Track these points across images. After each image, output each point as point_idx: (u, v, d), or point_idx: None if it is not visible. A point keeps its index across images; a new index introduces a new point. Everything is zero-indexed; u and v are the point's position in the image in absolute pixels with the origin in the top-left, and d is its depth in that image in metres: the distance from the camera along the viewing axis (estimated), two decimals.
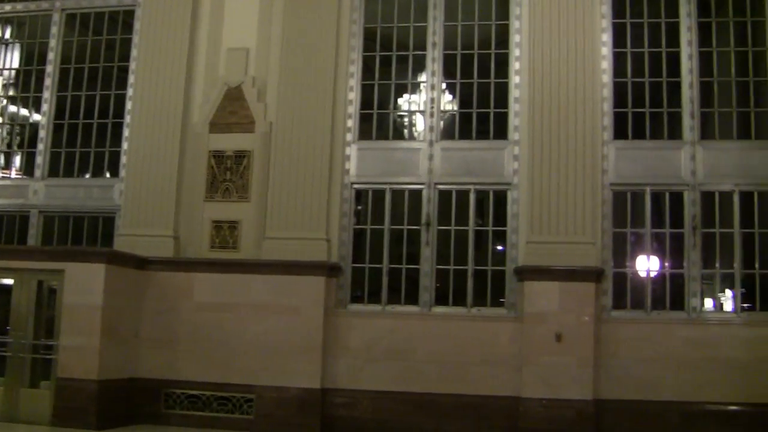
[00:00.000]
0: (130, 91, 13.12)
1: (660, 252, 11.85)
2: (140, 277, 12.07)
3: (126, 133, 13.03)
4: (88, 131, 13.42)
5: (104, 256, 11.43)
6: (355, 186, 12.35)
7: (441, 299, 11.94)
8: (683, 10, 11.95)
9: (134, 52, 13.20)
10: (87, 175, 13.47)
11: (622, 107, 11.92)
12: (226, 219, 12.36)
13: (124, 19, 13.52)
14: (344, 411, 11.60)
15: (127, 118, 13.06)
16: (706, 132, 11.84)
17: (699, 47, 11.87)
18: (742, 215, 11.58)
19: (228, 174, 12.42)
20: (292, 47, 12.34)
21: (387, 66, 12.52)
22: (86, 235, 13.15)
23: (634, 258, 11.92)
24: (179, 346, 11.90)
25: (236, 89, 12.56)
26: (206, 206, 12.41)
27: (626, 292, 11.58)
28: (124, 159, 12.97)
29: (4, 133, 14.10)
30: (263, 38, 12.62)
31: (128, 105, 13.09)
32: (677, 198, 11.73)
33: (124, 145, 13.00)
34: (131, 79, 13.15)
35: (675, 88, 11.90)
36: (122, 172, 12.94)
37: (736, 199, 11.59)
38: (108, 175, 13.33)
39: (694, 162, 11.65)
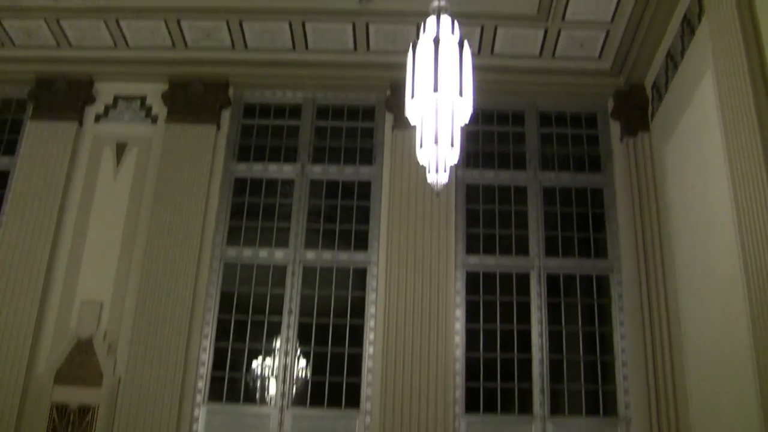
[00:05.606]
0: None
1: None
2: None
3: None
4: None
5: None
6: None
7: None
8: (534, 290, 12.40)
9: None
10: None
11: (473, 381, 12.03)
12: None
13: None
14: None
15: None
16: (555, 407, 12.01)
17: (549, 326, 12.25)
18: None
19: (70, 428, 11.75)
20: (147, 303, 12.13)
21: (242, 329, 12.41)
22: None
23: None
24: None
25: (87, 342, 12.16)
26: None
27: None
28: None
29: None
30: (119, 292, 12.39)
31: None
32: None
33: None
34: None
35: (526, 365, 12.13)
36: None
37: None
38: None
39: None
